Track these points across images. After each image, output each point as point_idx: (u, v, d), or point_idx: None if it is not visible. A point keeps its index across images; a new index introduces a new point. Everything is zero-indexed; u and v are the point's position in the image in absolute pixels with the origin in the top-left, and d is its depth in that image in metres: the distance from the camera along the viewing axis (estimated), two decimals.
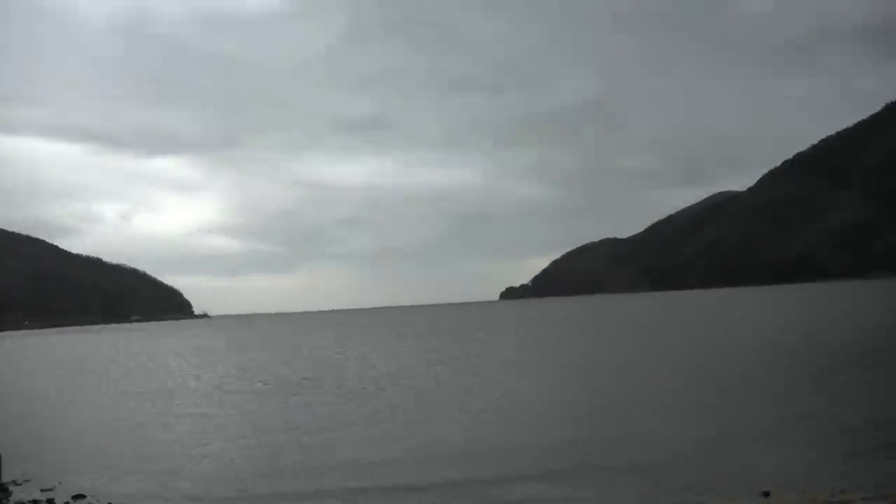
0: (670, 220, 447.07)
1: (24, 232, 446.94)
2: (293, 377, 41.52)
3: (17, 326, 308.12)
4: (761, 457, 16.10)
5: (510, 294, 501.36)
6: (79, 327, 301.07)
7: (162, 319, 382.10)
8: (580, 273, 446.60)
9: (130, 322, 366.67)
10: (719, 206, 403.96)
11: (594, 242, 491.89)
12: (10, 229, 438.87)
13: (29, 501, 15.82)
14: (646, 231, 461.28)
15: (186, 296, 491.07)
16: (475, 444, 19.62)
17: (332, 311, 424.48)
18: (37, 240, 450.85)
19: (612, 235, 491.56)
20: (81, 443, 23.70)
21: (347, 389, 33.94)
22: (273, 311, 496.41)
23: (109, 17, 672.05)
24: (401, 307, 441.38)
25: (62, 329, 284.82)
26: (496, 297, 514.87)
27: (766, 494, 12.85)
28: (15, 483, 17.51)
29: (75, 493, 16.29)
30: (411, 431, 22.20)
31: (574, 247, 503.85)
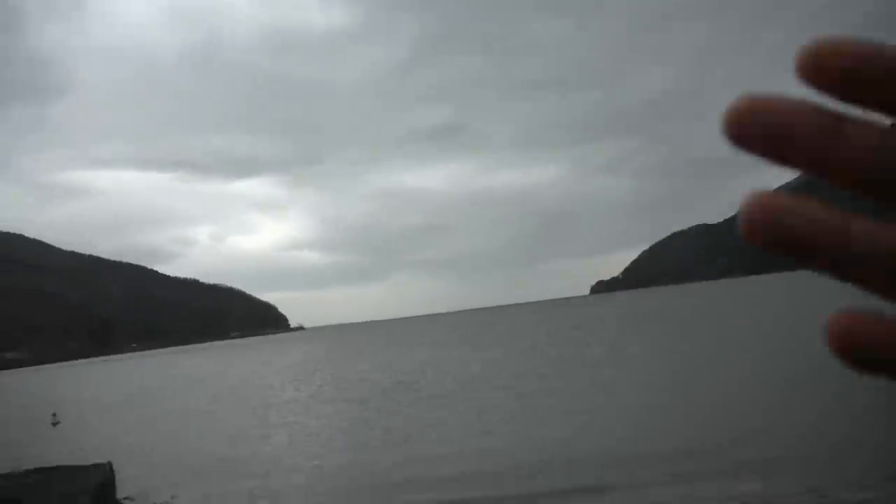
0: None
1: (124, 259, 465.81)
2: (387, 383, 41.97)
3: (124, 349, 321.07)
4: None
5: (601, 288, 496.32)
6: (182, 346, 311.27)
7: (260, 334, 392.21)
8: (671, 262, 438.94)
9: (230, 338, 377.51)
10: (813, 184, 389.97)
11: (684, 230, 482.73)
12: (111, 258, 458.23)
13: None
14: (738, 214, 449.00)
15: (281, 310, 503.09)
16: (577, 448, 19.36)
17: (422, 317, 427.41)
18: (137, 266, 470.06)
19: (703, 222, 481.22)
20: (190, 457, 24.46)
21: (443, 393, 34.10)
22: (364, 319, 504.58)
23: (180, 51, 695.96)
24: (490, 308, 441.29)
25: (166, 349, 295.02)
26: (587, 291, 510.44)
27: None
28: (129, 499, 18.24)
29: None
30: (512, 433, 22.08)
31: (664, 235, 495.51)
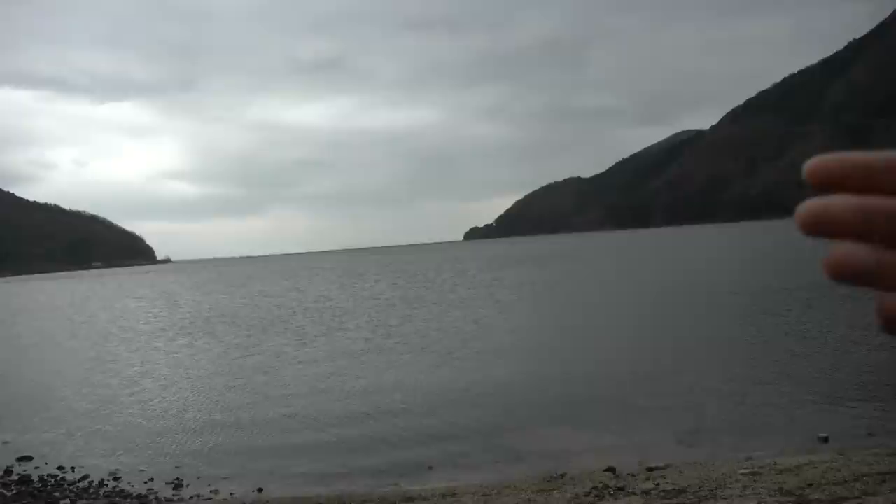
0: (634, 158, 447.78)
1: None
2: (249, 319, 40.02)
3: None
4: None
5: (474, 234, 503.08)
6: (40, 275, 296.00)
7: (124, 265, 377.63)
8: (545, 212, 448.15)
9: (92, 268, 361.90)
10: (683, 145, 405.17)
11: (558, 182, 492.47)
12: None
13: None
14: (610, 170, 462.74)
15: (148, 241, 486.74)
16: (442, 384, 18.25)
17: (295, 255, 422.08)
18: None
19: (576, 174, 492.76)
20: (30, 397, 21.86)
21: (305, 331, 32.81)
22: (235, 255, 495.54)
23: None
24: (363, 248, 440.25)
25: (21, 277, 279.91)
26: (460, 237, 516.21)
27: (825, 440, 11.49)
28: None
29: (21, 455, 14.58)
30: (371, 373, 20.75)
31: (538, 186, 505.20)
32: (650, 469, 10.15)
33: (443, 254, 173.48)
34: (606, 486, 9.27)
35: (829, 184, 0.53)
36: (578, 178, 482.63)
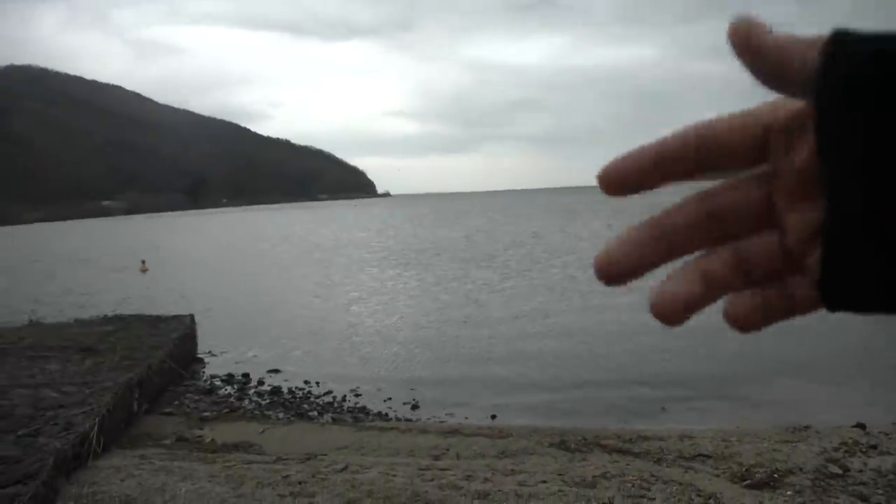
0: None
1: (216, 116, 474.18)
2: (462, 252, 41.18)
3: (216, 204, 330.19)
4: None
5: None
6: (271, 205, 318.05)
7: (347, 198, 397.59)
8: None
9: (318, 200, 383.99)
10: None
11: None
12: (204, 114, 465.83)
13: (224, 375, 15.55)
14: None
15: (370, 176, 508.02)
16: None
17: (507, 192, 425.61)
18: (229, 123, 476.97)
19: None
20: (274, 316, 23.71)
21: (515, 265, 33.66)
22: (450, 190, 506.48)
23: None
24: (576, 188, 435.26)
25: (256, 206, 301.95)
26: None
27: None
28: (211, 355, 17.42)
29: (271, 368, 15.95)
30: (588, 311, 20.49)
31: None
32: None
33: (661, 195, 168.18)
34: (857, 443, 8.74)
35: (628, 187, 0.47)
36: None
